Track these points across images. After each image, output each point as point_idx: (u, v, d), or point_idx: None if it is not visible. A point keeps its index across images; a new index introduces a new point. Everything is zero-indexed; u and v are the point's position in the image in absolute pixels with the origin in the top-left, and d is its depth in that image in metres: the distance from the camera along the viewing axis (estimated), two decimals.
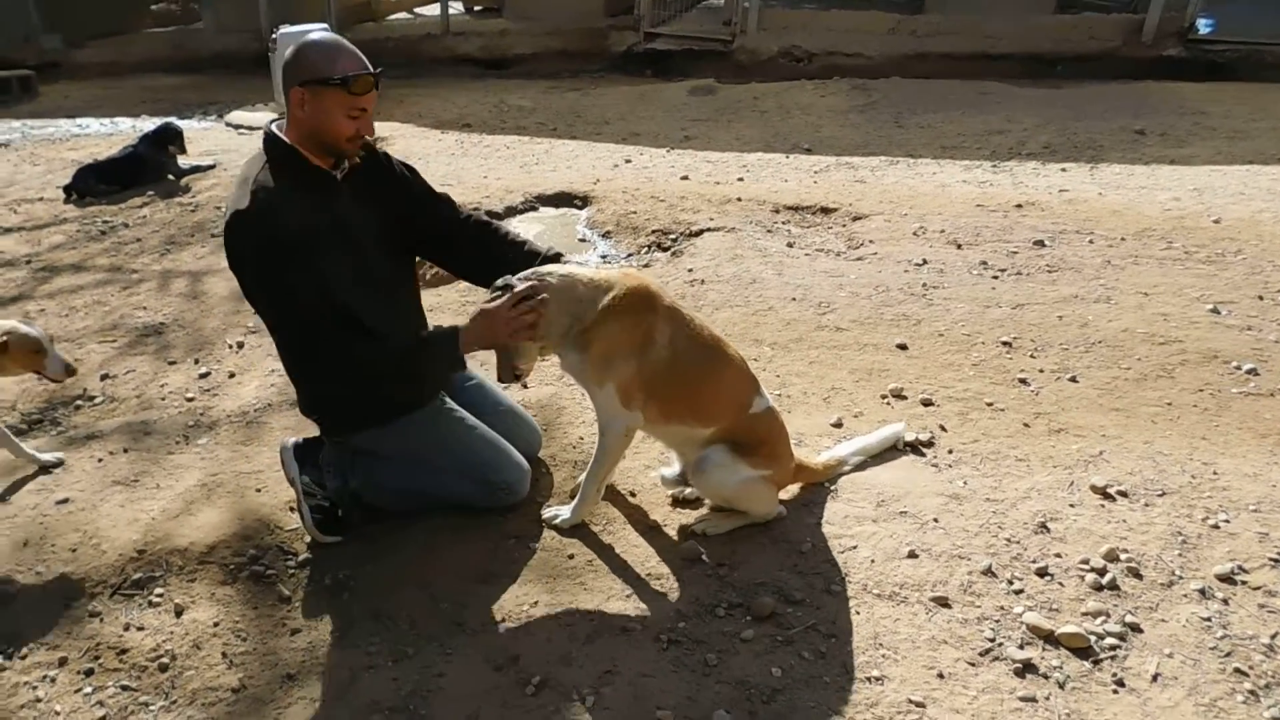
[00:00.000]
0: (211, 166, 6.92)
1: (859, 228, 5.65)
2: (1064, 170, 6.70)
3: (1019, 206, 5.83)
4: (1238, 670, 2.38)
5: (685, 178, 6.65)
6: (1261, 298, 4.49)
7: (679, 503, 3.11)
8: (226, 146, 7.71)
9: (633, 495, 3.18)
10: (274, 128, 2.79)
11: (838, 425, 3.53)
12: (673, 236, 5.66)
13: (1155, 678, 2.38)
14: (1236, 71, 9.91)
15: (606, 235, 5.80)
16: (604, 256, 5.54)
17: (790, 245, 5.45)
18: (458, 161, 6.84)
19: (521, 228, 5.89)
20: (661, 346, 2.76)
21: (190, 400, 3.80)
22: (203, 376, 4.23)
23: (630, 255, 5.55)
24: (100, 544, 3.04)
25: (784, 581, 2.73)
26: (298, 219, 2.64)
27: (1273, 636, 2.48)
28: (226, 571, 2.90)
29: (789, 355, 4.08)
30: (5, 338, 3.03)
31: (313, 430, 3.09)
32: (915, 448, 3.38)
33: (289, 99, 2.68)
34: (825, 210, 5.96)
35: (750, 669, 2.44)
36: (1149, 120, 7.73)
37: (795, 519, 3.00)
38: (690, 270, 4.99)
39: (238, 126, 8.50)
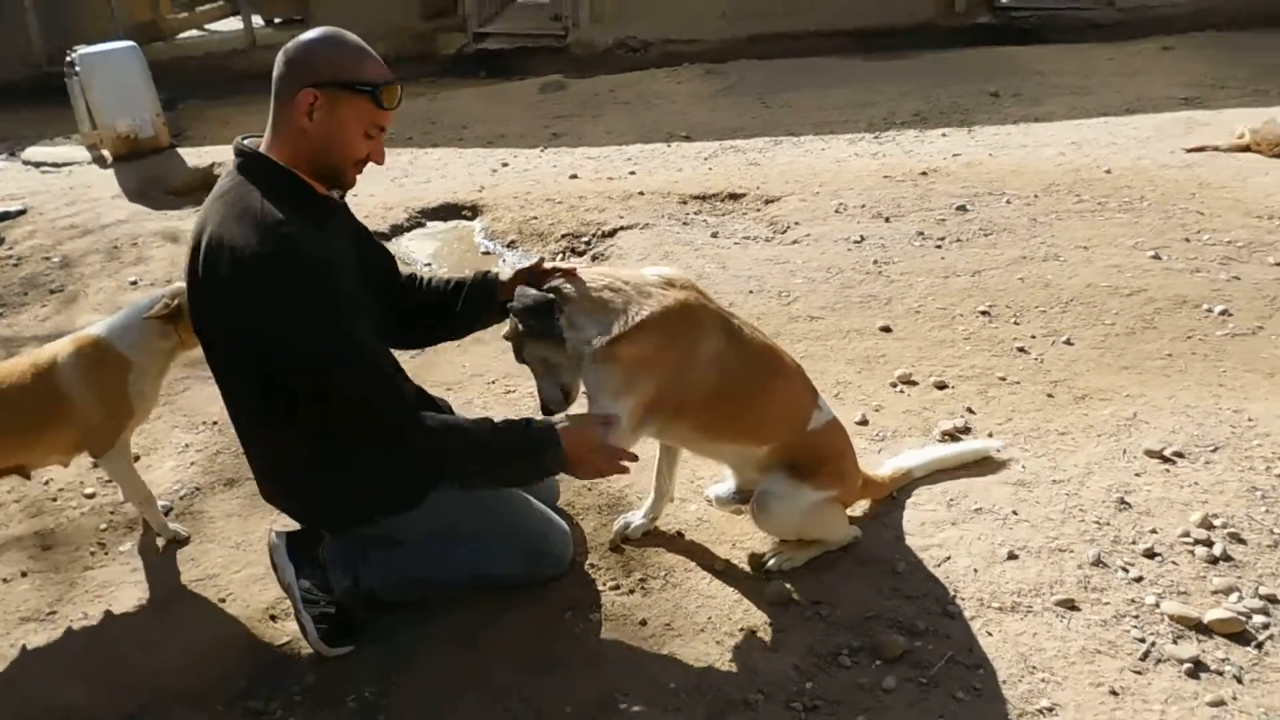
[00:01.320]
0: (22, 212, 5.80)
1: (776, 210, 5.41)
2: (944, 135, 6.76)
3: (924, 174, 5.77)
4: None
5: (574, 176, 6.19)
6: (1189, 240, 4.59)
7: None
8: (33, 188, 6.49)
9: (681, 535, 2.73)
10: (250, 145, 2.16)
11: (864, 423, 3.22)
12: (585, 239, 5.20)
13: None
14: (1041, 34, 10.50)
15: (511, 245, 5.27)
16: (515, 268, 4.99)
17: (715, 235, 5.13)
18: None
19: (415, 246, 5.25)
20: (706, 364, 2.35)
21: (90, 497, 2.98)
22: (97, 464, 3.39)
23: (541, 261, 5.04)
24: (29, 713, 2.26)
25: (895, 611, 2.38)
26: (331, 261, 2.05)
27: None
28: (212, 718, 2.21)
29: None
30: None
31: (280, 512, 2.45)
32: (953, 436, 3.13)
33: (288, 104, 2.08)
34: (734, 196, 5.68)
35: None
36: (998, 83, 7.98)
37: (871, 534, 2.66)
38: None
39: (39, 164, 7.25)
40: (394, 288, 2.52)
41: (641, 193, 5.73)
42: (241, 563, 2.66)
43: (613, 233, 5.21)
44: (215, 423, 3.29)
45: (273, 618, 2.47)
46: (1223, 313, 3.83)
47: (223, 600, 2.52)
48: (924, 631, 2.31)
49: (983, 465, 2.89)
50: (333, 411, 2.05)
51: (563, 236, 5.23)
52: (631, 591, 2.51)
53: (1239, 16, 9.89)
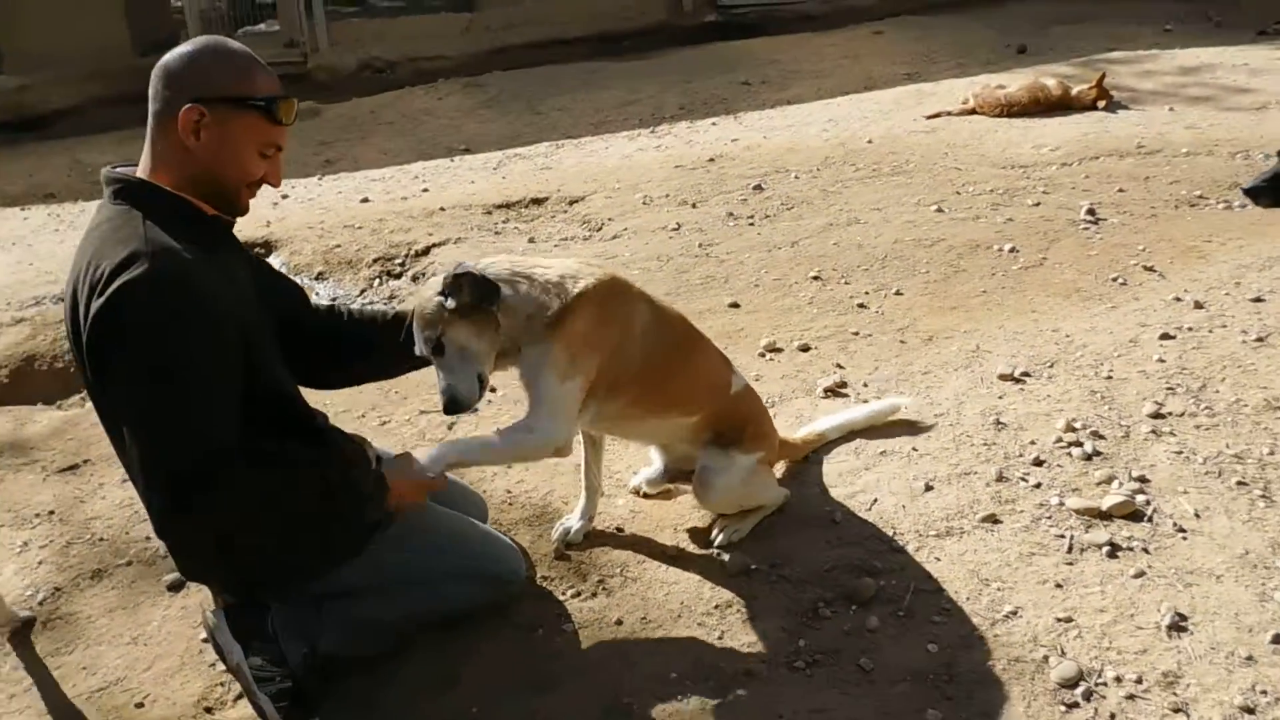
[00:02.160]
0: None
1: (584, 210, 5.45)
2: (714, 124, 7.10)
3: (711, 160, 6.04)
4: (1240, 483, 2.65)
5: (366, 200, 5.88)
6: (959, 193, 5.14)
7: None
8: None
9: (620, 530, 2.69)
10: (121, 172, 1.86)
11: None
12: (399, 261, 4.97)
13: (1197, 514, 2.55)
14: (762, 28, 11.31)
15: (320, 277, 4.92)
16: (334, 298, 4.68)
17: (531, 241, 5.08)
18: (73, 237, 5.30)
19: None
20: (637, 337, 2.38)
21: None
22: None
23: (363, 291, 4.76)
24: None
25: (849, 557, 2.49)
26: (218, 288, 1.80)
27: (1227, 446, 2.81)
28: None
29: None
30: None
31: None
32: (835, 391, 3.31)
33: (171, 121, 1.82)
34: (536, 201, 5.66)
35: (906, 656, 2.17)
36: (745, 73, 8.50)
37: (799, 493, 2.76)
38: None
39: None
40: (305, 320, 2.28)
41: (442, 208, 5.55)
42: (149, 658, 2.30)
43: (426, 251, 5.01)
44: (51, 512, 2.82)
45: (208, 710, 2.16)
46: (1011, 250, 4.32)
47: (141, 705, 2.17)
48: (882, 570, 2.43)
49: (893, 423, 3.05)
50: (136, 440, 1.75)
51: (374, 261, 4.96)
52: (594, 595, 2.45)
53: (920, 6, 11.24)
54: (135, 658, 2.31)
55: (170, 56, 1.85)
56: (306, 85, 9.29)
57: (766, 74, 8.47)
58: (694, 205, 5.29)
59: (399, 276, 4.86)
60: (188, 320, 1.72)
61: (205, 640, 2.34)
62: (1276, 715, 1.96)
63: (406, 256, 4.99)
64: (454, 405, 2.15)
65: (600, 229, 5.16)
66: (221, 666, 2.24)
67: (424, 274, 4.78)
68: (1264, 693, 2.01)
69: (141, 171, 1.88)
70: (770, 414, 2.77)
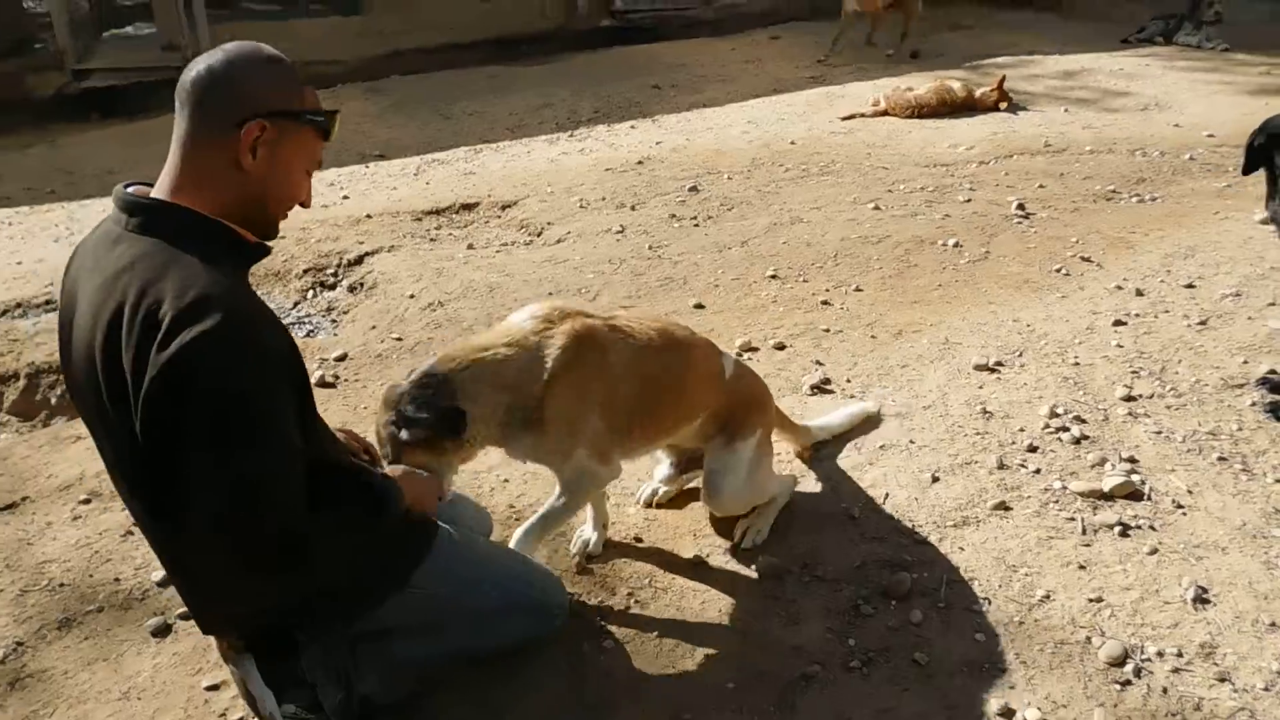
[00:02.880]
0: None
1: (519, 214, 5.31)
2: (634, 127, 7.06)
3: (640, 163, 6.00)
4: (1220, 458, 2.79)
5: None
6: (892, 191, 5.28)
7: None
8: None
9: (639, 540, 2.60)
10: (137, 193, 1.63)
11: None
12: (331, 270, 4.70)
13: (1189, 491, 2.67)
14: (657, 33, 11.36)
15: None
16: None
17: (471, 247, 4.91)
18: None
19: None
20: (624, 378, 2.28)
21: None
22: None
23: (297, 304, 4.49)
24: None
25: (876, 553, 2.48)
26: (275, 327, 1.65)
27: (1199, 424, 2.96)
28: None
29: None
30: None
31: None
32: (821, 388, 3.31)
33: (220, 139, 1.60)
34: (467, 207, 5.48)
35: (955, 648, 2.17)
36: (655, 77, 8.51)
37: (813, 491, 2.74)
38: (410, 296, 4.20)
39: None
40: None
41: (369, 215, 5.30)
42: (147, 713, 2.05)
43: (359, 260, 4.76)
44: None
45: None
46: (956, 245, 4.45)
47: None
48: (912, 563, 2.44)
49: (869, 424, 3.06)
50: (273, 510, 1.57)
51: (304, 272, 4.68)
52: (627, 609, 2.35)
53: (808, 12, 11.55)
54: (131, 715, 2.06)
55: (210, 67, 1.60)
56: None
57: (675, 78, 8.50)
58: (633, 208, 5.23)
59: (333, 287, 4.60)
60: (262, 375, 1.55)
61: (210, 688, 2.13)
62: None
63: (339, 266, 4.73)
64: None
65: (540, 234, 5.03)
66: (237, 716, 2.05)
67: (361, 284, 4.54)
68: None
69: (165, 194, 1.64)
70: (760, 378, 2.73)
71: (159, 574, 2.46)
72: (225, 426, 1.50)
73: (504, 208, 5.44)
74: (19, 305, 4.14)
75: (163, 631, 2.30)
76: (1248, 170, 3.08)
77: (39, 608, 2.38)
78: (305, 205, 1.78)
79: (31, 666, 2.21)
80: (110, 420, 1.62)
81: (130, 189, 1.67)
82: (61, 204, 5.65)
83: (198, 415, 1.49)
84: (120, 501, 2.76)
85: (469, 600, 2.00)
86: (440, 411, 2.03)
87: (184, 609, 2.34)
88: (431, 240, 5.03)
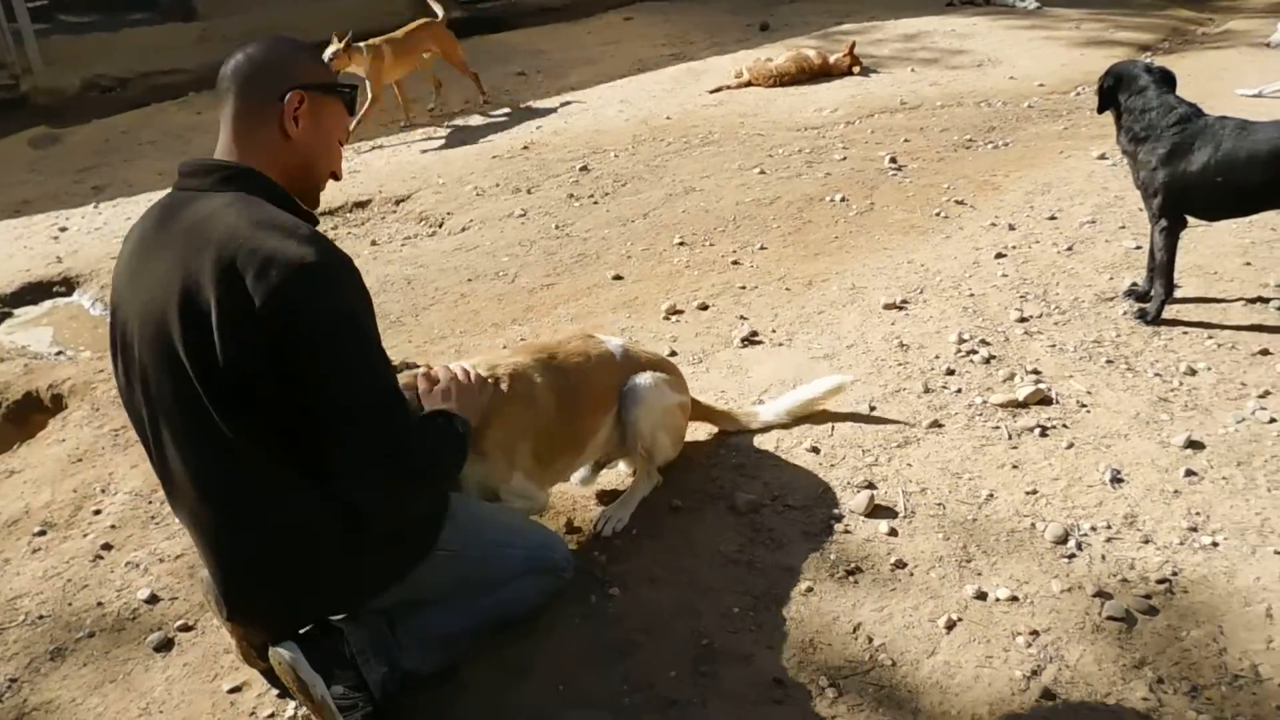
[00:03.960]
0: None
1: (415, 207, 5.30)
2: (508, 115, 7.08)
3: (525, 148, 6.08)
4: (1108, 361, 3.18)
5: None
6: (772, 156, 5.56)
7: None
8: None
9: (619, 492, 2.73)
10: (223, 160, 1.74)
11: (672, 355, 3.45)
12: None
13: (1089, 392, 3.03)
14: (508, 21, 11.34)
15: None
16: None
17: (375, 244, 4.88)
18: None
19: (25, 338, 4.14)
20: (544, 399, 2.42)
21: None
22: None
23: None
24: None
25: (837, 478, 2.71)
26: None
27: (1084, 335, 3.34)
28: None
29: (540, 323, 3.78)
30: None
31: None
32: (750, 340, 3.52)
33: (265, 111, 1.76)
34: (360, 204, 5.43)
35: (925, 549, 2.42)
36: (518, 64, 8.52)
37: (771, 436, 2.93)
38: None
39: None
40: None
41: None
42: (205, 700, 2.05)
43: None
44: None
45: None
46: (842, 200, 4.77)
47: None
48: (868, 483, 2.68)
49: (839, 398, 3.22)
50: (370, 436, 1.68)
51: None
52: (622, 559, 2.48)
53: None
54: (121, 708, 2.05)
55: (248, 54, 1.79)
56: (25, 111, 8.13)
57: (538, 64, 8.55)
58: (529, 191, 5.30)
59: None
60: (366, 301, 1.71)
61: (232, 690, 2.13)
62: (1212, 527, 2.41)
63: None
64: None
65: (443, 224, 5.05)
66: (267, 714, 2.07)
67: None
68: (1197, 514, 2.46)
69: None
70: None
71: (145, 591, 2.42)
72: (354, 341, 1.64)
73: (398, 202, 5.41)
74: None
75: (165, 646, 2.27)
76: (1101, 109, 3.47)
77: (22, 643, 2.30)
78: (337, 177, 1.92)
79: (33, 700, 2.14)
80: (180, 390, 1.64)
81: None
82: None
83: (309, 337, 1.59)
84: (79, 529, 2.71)
85: (495, 563, 2.09)
86: None
87: (183, 622, 2.33)
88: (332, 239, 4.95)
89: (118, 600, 2.42)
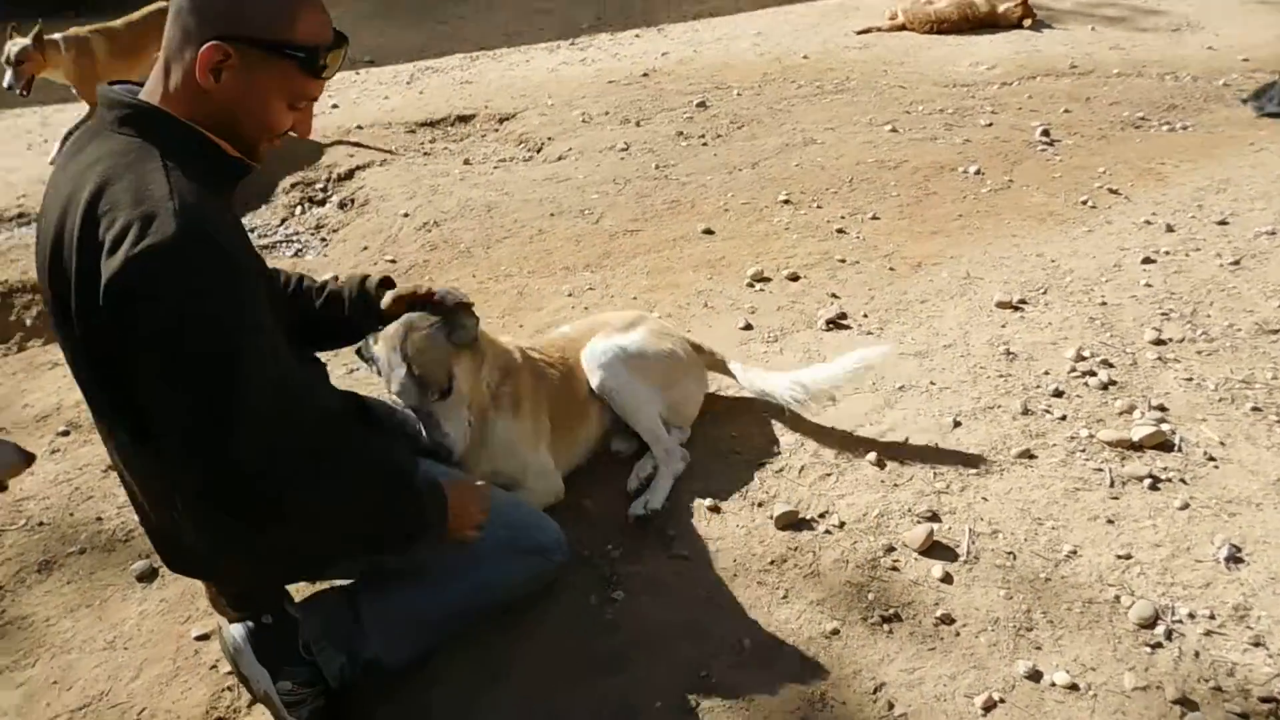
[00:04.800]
0: None
1: (518, 128, 5.06)
2: (638, 36, 6.73)
3: (645, 75, 5.73)
4: (1254, 409, 2.68)
5: None
6: (909, 112, 5.03)
7: None
8: None
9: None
10: (125, 93, 1.48)
11: (749, 329, 3.14)
12: (320, 185, 4.48)
13: (1222, 442, 2.56)
14: None
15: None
16: (252, 230, 4.18)
17: (468, 163, 4.68)
18: None
19: None
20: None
21: None
22: None
23: (284, 221, 4.28)
24: None
25: (897, 502, 2.37)
26: (239, 246, 1.49)
27: (1232, 371, 2.83)
28: None
29: (613, 273, 3.51)
30: None
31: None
32: (836, 323, 3.16)
33: (186, 53, 1.45)
34: (463, 119, 5.22)
35: (980, 605, 2.08)
36: None
37: (830, 435, 2.61)
38: (405, 215, 4.00)
39: None
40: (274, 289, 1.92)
41: (359, 127, 5.05)
42: (134, 664, 1.96)
43: (350, 174, 4.55)
44: None
45: None
46: (977, 172, 4.25)
47: None
48: (934, 514, 2.33)
49: (865, 345, 2.88)
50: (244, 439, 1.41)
51: (292, 186, 4.46)
52: (636, 558, 2.24)
53: None
54: (118, 665, 1.96)
55: None
56: None
57: None
58: (638, 124, 4.98)
59: (322, 203, 4.39)
60: (221, 297, 1.39)
61: (200, 638, 2.03)
62: None
63: (329, 180, 4.51)
64: (450, 457, 1.98)
65: (540, 149, 4.80)
66: (228, 669, 1.95)
67: (352, 200, 4.33)
68: None
69: (149, 95, 1.49)
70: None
71: None
72: (178, 349, 1.36)
73: (502, 120, 5.19)
74: None
75: (149, 576, 2.19)
76: None
77: (17, 549, 2.27)
78: (302, 135, 1.62)
79: (11, 613, 2.10)
80: (69, 333, 1.48)
81: (117, 87, 1.53)
82: (34, 109, 5.36)
83: (146, 334, 1.35)
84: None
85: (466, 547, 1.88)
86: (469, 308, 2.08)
87: None
88: (426, 154, 4.80)
89: (116, 518, 2.35)
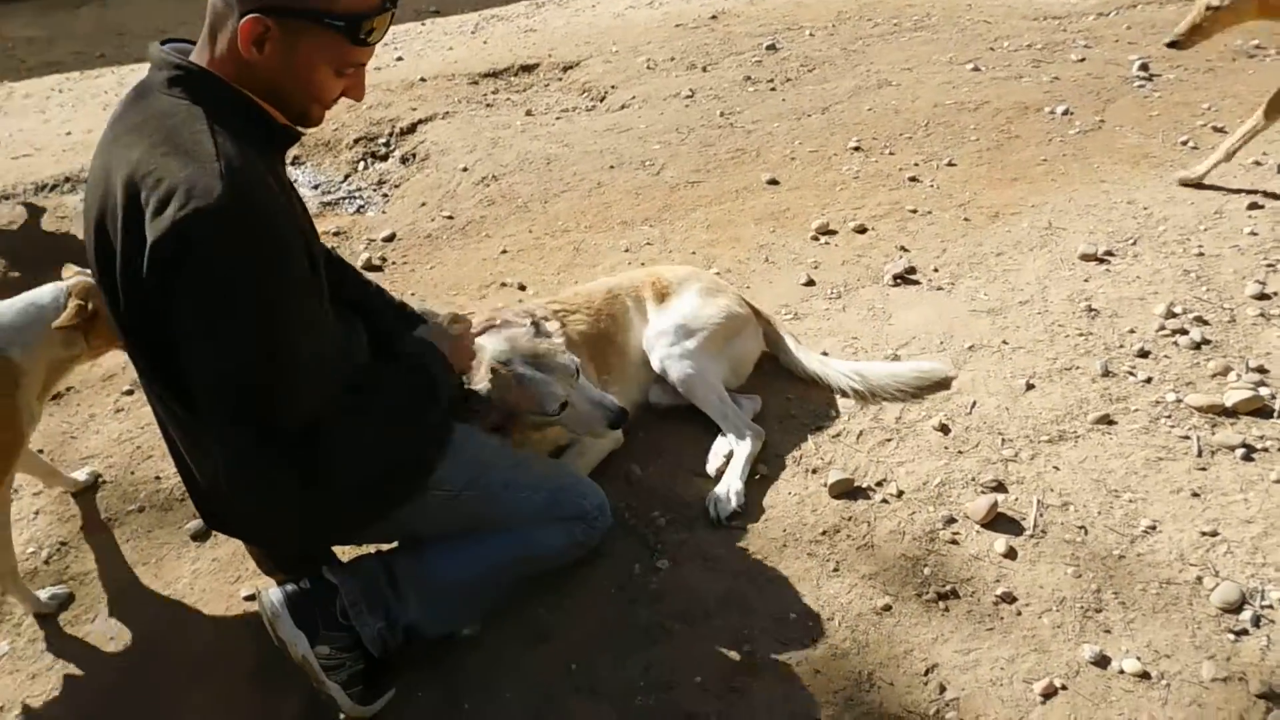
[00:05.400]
0: None
1: (581, 76, 4.94)
2: None
3: (714, 17, 5.52)
4: None
5: None
6: (993, 49, 4.73)
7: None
8: None
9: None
10: (175, 53, 1.47)
11: (810, 284, 3.01)
12: (383, 140, 4.47)
13: None
14: None
15: (295, 162, 4.41)
16: (315, 187, 4.20)
17: (529, 114, 4.60)
18: None
19: None
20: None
21: None
22: None
23: (348, 177, 4.28)
24: None
25: (960, 470, 2.24)
26: (283, 207, 1.46)
27: None
28: None
29: (672, 227, 3.41)
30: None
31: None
32: (905, 278, 3.00)
33: (229, 24, 1.42)
34: (526, 69, 5.13)
35: (1046, 583, 1.95)
36: None
37: (889, 403, 2.49)
38: (464, 169, 3.96)
39: None
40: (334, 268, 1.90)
41: (423, 79, 5.00)
42: (187, 621, 2.00)
43: (412, 128, 4.51)
44: (40, 450, 2.43)
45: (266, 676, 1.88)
46: (1065, 113, 3.97)
47: (188, 678, 1.88)
48: (999, 483, 2.20)
49: (935, 300, 2.78)
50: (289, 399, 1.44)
51: (355, 142, 4.45)
52: (684, 527, 2.18)
53: None
54: (171, 622, 2.01)
55: None
56: None
57: None
58: (704, 69, 4.81)
59: (385, 159, 4.38)
60: (264, 262, 1.38)
61: (248, 598, 2.05)
62: None
63: (391, 135, 4.49)
64: (626, 417, 2.08)
65: (604, 99, 4.68)
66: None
67: (413, 154, 4.30)
68: None
69: (198, 58, 1.47)
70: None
71: None
72: (221, 311, 1.36)
73: (565, 69, 5.08)
74: (67, 179, 4.03)
75: (202, 536, 2.23)
76: None
77: (83, 506, 2.33)
78: (355, 99, 1.59)
79: (75, 569, 2.16)
80: (114, 298, 1.48)
81: (168, 45, 1.51)
82: (111, 69, 5.48)
83: (192, 294, 1.35)
84: None
85: (502, 506, 1.85)
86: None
87: None
88: (488, 106, 4.73)
89: (173, 477, 2.39)
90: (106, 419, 2.62)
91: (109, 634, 2.01)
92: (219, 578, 2.11)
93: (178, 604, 2.06)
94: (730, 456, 2.31)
